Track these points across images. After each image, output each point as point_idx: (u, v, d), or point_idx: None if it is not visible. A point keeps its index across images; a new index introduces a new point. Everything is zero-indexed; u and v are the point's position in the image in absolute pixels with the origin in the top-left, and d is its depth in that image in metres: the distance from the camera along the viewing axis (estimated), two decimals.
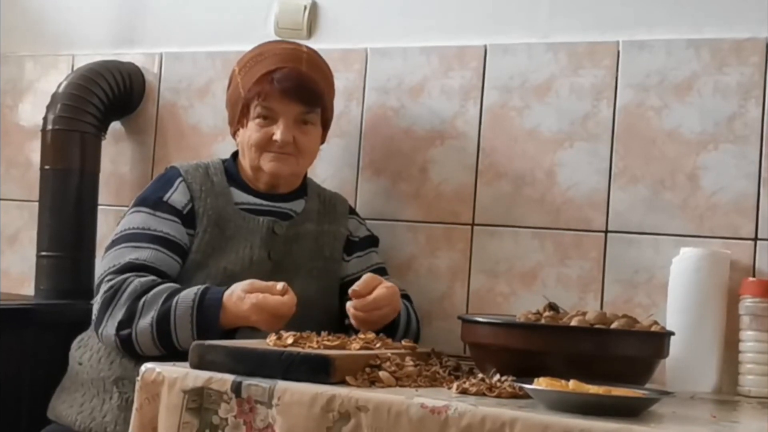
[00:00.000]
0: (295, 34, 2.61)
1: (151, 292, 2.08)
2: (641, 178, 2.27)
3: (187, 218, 2.21)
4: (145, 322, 2.06)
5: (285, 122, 2.23)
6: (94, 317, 2.15)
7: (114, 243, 2.21)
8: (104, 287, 2.13)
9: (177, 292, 2.07)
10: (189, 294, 2.06)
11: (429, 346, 2.01)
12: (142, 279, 2.10)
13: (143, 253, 2.15)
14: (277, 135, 2.22)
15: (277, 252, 2.24)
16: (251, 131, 2.25)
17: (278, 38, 2.52)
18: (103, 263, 2.20)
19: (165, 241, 2.17)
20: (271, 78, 2.22)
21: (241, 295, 2.02)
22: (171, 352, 2.04)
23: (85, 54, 2.85)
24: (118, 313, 2.08)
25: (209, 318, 2.03)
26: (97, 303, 2.14)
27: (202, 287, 2.08)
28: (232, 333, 2.05)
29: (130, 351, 2.10)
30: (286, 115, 2.23)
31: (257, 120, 2.24)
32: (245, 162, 2.28)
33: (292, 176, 2.30)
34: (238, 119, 2.28)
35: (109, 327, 2.10)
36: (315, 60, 2.32)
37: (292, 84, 2.22)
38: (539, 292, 2.28)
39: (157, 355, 2.05)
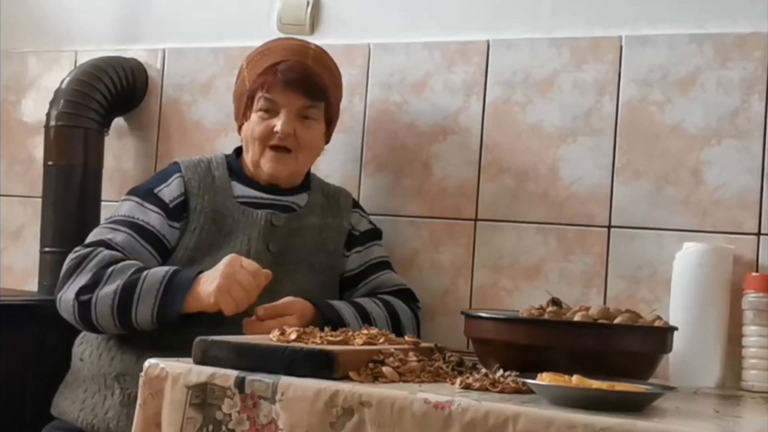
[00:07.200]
0: (298, 29, 2.61)
1: (121, 263, 2.09)
2: (644, 173, 2.27)
3: (173, 211, 2.21)
4: (110, 289, 2.05)
5: (287, 114, 2.23)
6: (57, 286, 2.15)
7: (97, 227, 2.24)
8: (70, 257, 2.14)
9: (147, 268, 2.08)
10: (160, 270, 2.07)
11: (432, 342, 2.00)
12: (112, 251, 2.12)
13: (117, 236, 2.16)
14: (278, 126, 2.23)
15: (277, 244, 2.24)
16: (254, 124, 2.26)
17: (287, 35, 2.51)
18: None
19: (141, 230, 2.18)
20: (275, 70, 2.24)
21: (213, 275, 2.01)
22: (125, 327, 2.06)
23: (87, 50, 2.85)
24: (82, 279, 2.09)
25: (175, 297, 2.02)
26: (62, 272, 2.15)
27: (173, 268, 2.08)
28: (191, 318, 2.04)
29: (85, 319, 2.10)
30: (288, 107, 2.24)
31: (260, 112, 2.25)
32: (248, 156, 2.29)
33: (291, 176, 2.30)
34: (243, 112, 2.29)
35: (70, 292, 2.10)
36: (321, 56, 2.32)
37: (295, 75, 2.23)
38: (542, 288, 2.28)
39: (110, 330, 2.08)
